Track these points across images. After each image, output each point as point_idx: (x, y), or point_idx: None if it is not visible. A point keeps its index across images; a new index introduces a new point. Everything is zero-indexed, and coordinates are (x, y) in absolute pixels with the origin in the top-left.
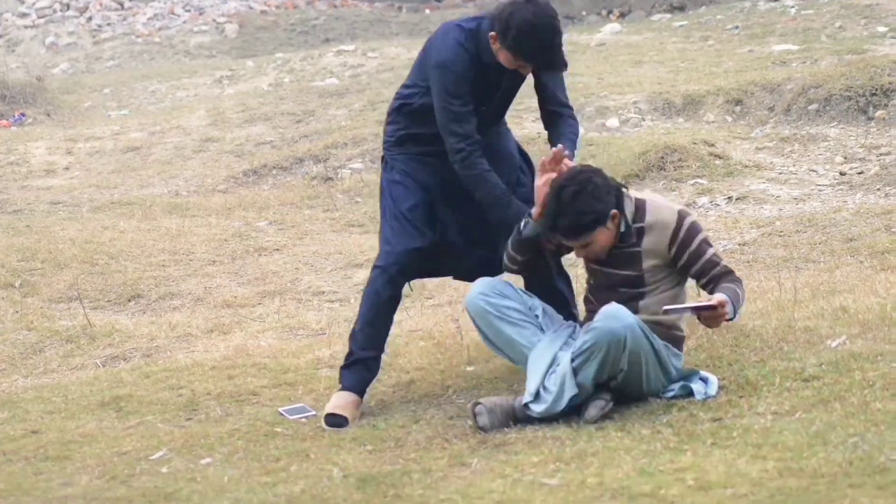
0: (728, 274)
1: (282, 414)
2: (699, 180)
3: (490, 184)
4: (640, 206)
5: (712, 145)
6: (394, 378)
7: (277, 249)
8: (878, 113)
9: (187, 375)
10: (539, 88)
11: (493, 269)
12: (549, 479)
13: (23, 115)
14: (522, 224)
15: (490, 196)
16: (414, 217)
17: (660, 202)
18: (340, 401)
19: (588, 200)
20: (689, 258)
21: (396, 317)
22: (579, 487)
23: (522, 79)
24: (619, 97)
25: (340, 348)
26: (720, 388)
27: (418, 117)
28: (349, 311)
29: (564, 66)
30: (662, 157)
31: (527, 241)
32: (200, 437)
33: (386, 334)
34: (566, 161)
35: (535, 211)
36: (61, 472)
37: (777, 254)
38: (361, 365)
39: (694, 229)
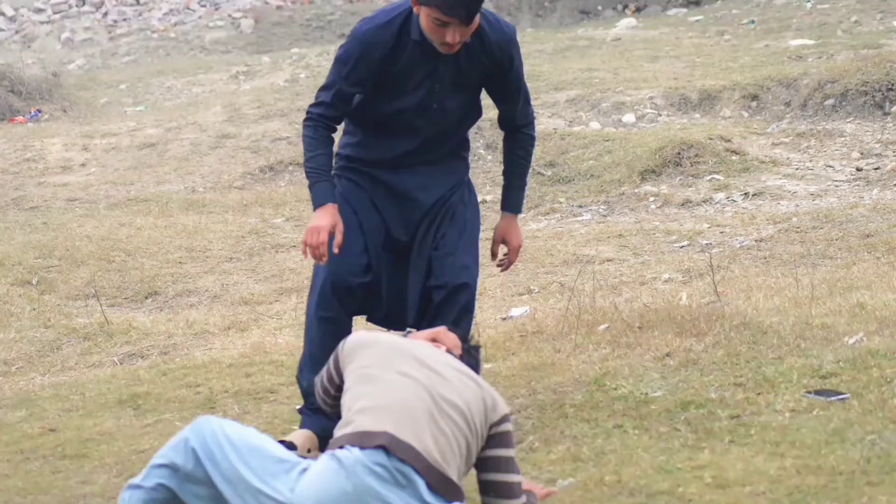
0: None
1: (300, 412)
2: (716, 176)
3: (307, 153)
4: None
5: (728, 141)
6: None
7: (294, 246)
8: (895, 108)
9: (205, 373)
10: (495, 103)
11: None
12: (567, 477)
13: (39, 111)
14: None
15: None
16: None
17: None
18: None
19: None
20: None
21: None
22: (597, 486)
23: (470, 80)
24: (635, 92)
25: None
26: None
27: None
28: None
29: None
30: (679, 153)
31: None
32: None
33: None
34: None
35: None
36: (79, 471)
37: (794, 250)
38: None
39: None
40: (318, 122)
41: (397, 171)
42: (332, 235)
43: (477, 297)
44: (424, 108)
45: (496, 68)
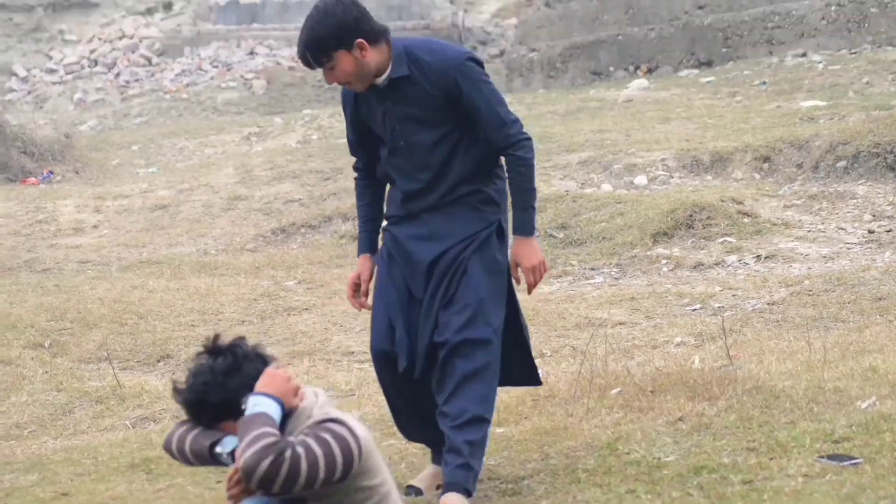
0: None
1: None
2: (728, 238)
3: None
4: None
5: (741, 203)
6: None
7: (306, 309)
8: None
9: None
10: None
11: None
12: None
13: (51, 172)
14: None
15: None
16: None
17: None
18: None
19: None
20: None
21: None
22: None
23: (428, 113)
24: (647, 154)
25: (370, 409)
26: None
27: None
28: None
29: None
30: (691, 216)
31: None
32: None
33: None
34: None
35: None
36: None
37: (806, 313)
38: None
39: None
40: (357, 173)
41: (405, 223)
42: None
43: (491, 357)
44: (396, 147)
45: (445, 96)
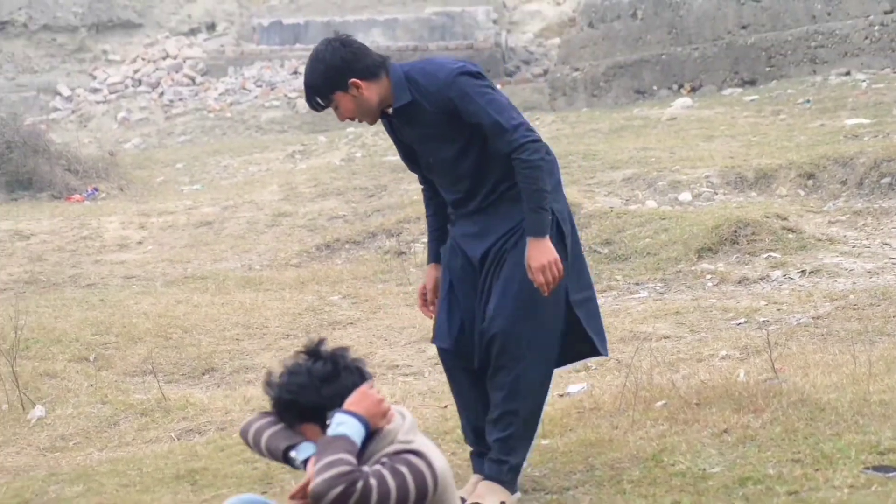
0: None
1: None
2: (772, 254)
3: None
4: None
5: (785, 219)
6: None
7: (351, 323)
8: None
9: None
10: None
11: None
12: None
13: (96, 189)
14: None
15: None
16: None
17: None
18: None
19: None
20: None
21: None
22: None
23: (439, 130)
24: (692, 171)
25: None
26: None
27: None
28: (423, 385)
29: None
30: (735, 231)
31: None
32: None
33: None
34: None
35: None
36: None
37: (851, 327)
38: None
39: None
40: (422, 186)
41: (459, 222)
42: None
43: (523, 351)
44: (427, 165)
45: (447, 114)
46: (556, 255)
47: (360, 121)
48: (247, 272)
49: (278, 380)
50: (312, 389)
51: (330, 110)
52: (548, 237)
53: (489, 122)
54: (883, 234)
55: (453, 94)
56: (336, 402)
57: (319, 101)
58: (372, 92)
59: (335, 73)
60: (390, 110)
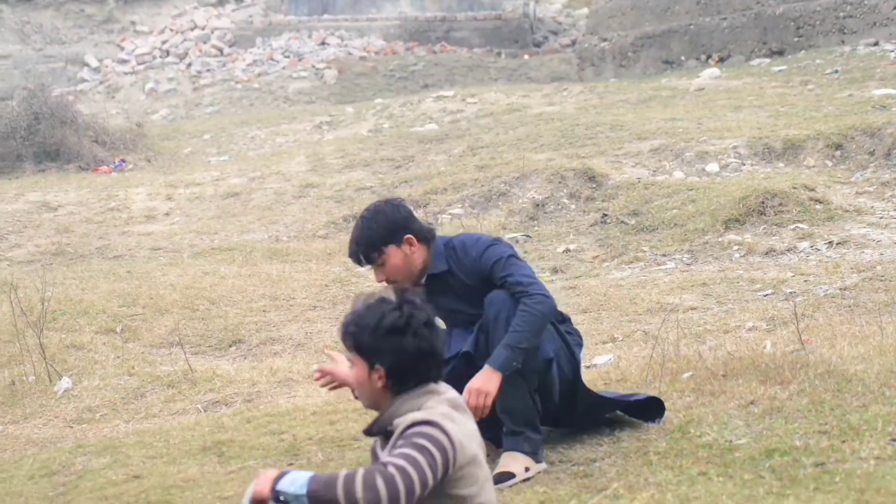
0: None
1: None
2: (800, 225)
3: None
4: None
5: (812, 190)
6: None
7: None
8: None
9: (288, 420)
10: None
11: None
12: None
13: (123, 161)
14: None
15: None
16: None
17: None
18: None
19: None
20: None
21: None
22: None
23: (460, 291)
24: (719, 142)
25: None
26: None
27: None
28: None
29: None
30: (763, 202)
31: None
32: None
33: None
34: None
35: None
36: None
37: (878, 298)
38: None
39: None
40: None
41: None
42: None
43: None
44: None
45: (481, 281)
46: (495, 393)
47: (399, 281)
48: (274, 243)
49: (355, 307)
50: (374, 332)
51: None
52: (502, 376)
53: (507, 278)
54: None
55: (486, 265)
56: (386, 359)
57: (371, 252)
58: (420, 253)
59: (394, 226)
60: (422, 280)
